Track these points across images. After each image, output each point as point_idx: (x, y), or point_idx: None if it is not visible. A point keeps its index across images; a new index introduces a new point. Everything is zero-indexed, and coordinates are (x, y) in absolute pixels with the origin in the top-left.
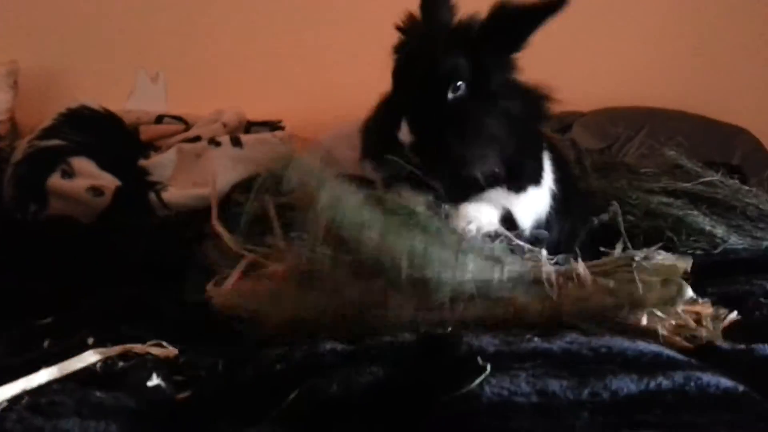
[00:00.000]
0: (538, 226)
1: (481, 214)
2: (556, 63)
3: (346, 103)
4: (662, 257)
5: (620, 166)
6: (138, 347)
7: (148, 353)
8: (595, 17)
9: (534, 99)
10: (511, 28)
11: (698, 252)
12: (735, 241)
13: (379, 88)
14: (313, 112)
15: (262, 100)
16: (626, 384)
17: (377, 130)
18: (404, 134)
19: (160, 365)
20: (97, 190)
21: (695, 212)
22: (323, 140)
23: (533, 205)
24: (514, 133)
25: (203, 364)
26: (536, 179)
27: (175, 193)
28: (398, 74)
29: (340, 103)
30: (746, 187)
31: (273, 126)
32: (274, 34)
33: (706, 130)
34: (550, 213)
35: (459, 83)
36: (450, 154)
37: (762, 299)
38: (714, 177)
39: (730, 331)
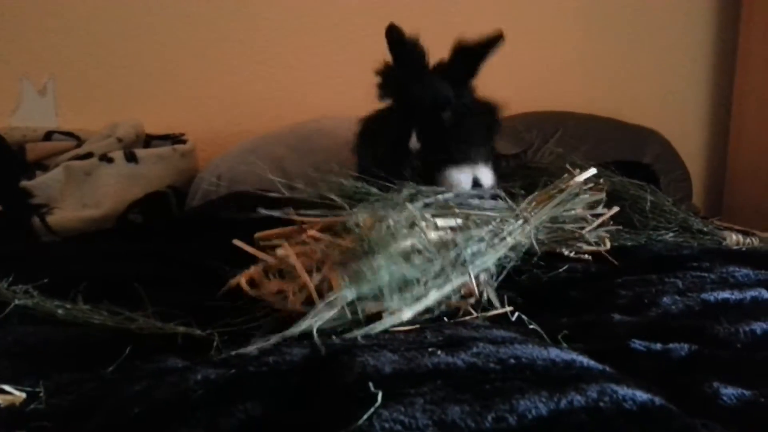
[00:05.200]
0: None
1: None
2: None
3: (253, 115)
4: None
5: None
6: None
7: None
8: (510, 27)
9: (490, 110)
10: (468, 63)
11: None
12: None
13: (285, 99)
14: (219, 123)
15: (162, 112)
16: (534, 404)
17: (389, 141)
18: (414, 143)
19: (0, 417)
20: None
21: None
22: (226, 156)
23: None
24: (483, 137)
25: (53, 411)
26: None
27: (62, 217)
28: (404, 105)
29: (248, 115)
30: (636, 182)
31: (175, 139)
32: (176, 40)
33: (618, 132)
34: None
35: (449, 106)
36: (452, 153)
37: (677, 296)
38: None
39: (646, 330)
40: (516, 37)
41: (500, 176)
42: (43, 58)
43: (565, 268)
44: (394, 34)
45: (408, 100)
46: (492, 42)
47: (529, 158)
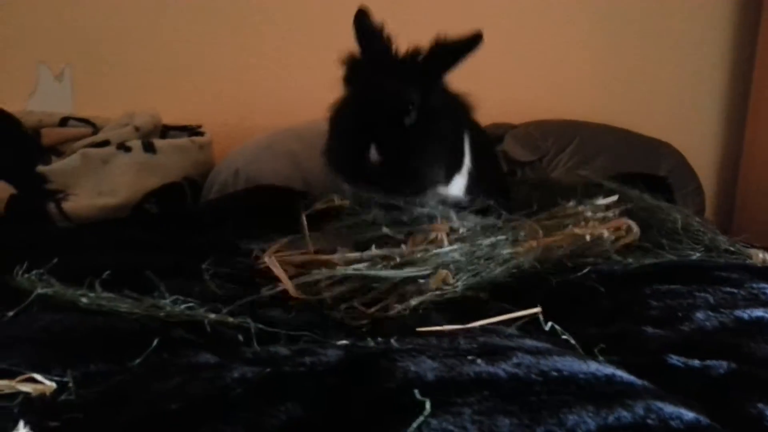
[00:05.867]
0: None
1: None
2: (490, 77)
3: (270, 108)
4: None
5: (550, 182)
6: (4, 384)
7: (19, 391)
8: (528, 34)
9: (461, 106)
10: (444, 59)
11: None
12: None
13: (302, 93)
14: (236, 116)
15: (180, 102)
16: (582, 419)
17: (348, 152)
18: (373, 156)
19: (32, 407)
20: None
21: None
22: (244, 150)
23: (456, 187)
24: (451, 141)
25: (84, 402)
26: (459, 169)
27: (78, 204)
28: (360, 103)
29: (265, 108)
30: (665, 204)
31: (192, 131)
32: (194, 32)
33: (633, 144)
34: (468, 185)
35: (411, 109)
36: (410, 171)
37: (710, 312)
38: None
39: (681, 345)
40: (533, 44)
41: (506, 184)
42: (61, 44)
43: (588, 270)
44: (361, 20)
45: (367, 103)
46: (471, 43)
47: (544, 166)
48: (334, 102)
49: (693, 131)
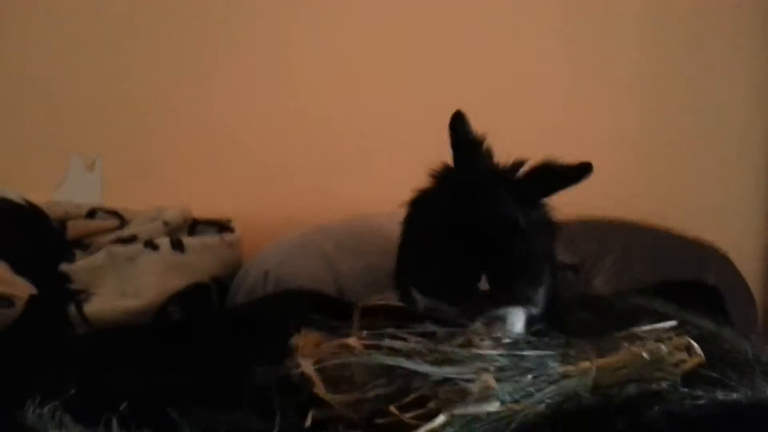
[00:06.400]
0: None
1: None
2: None
3: (303, 204)
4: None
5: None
6: None
7: None
8: (567, 130)
9: (549, 225)
10: (549, 183)
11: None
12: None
13: (336, 191)
14: (267, 211)
15: (209, 196)
16: None
17: (456, 280)
18: (483, 285)
19: None
20: (6, 300)
21: None
22: (274, 250)
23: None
24: (544, 266)
25: None
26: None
27: (99, 306)
28: (468, 227)
29: (297, 204)
30: (728, 332)
31: (221, 226)
32: (226, 124)
33: (678, 247)
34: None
35: (521, 237)
36: (515, 296)
37: None
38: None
39: None
40: (575, 139)
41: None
42: (92, 135)
43: (657, 410)
44: (458, 127)
45: (477, 229)
46: (580, 172)
47: (586, 270)
48: (419, 209)
49: (736, 231)
